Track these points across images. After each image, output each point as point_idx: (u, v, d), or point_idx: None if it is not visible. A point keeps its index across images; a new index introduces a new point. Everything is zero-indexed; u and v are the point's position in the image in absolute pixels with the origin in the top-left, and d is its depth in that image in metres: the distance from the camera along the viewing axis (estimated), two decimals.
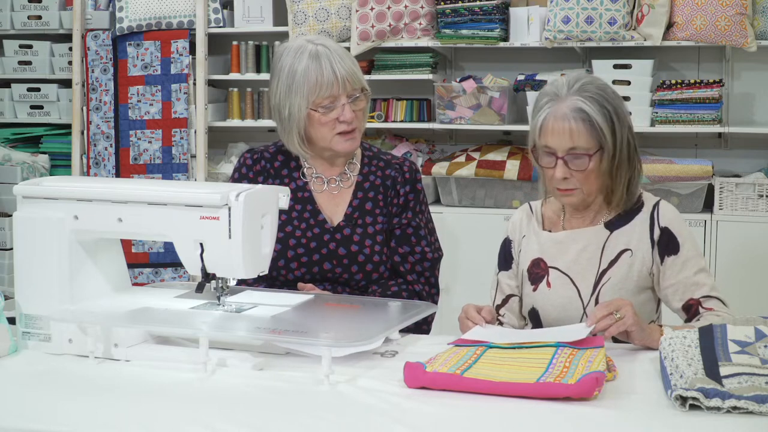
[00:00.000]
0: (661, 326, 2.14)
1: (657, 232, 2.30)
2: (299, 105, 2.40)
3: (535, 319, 2.37)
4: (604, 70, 4.29)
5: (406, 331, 2.20)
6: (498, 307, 2.43)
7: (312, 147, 2.48)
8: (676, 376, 1.79)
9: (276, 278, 2.46)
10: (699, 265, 2.30)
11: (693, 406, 1.70)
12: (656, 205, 2.34)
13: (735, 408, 1.68)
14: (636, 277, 2.30)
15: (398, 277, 2.51)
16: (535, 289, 2.36)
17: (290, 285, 2.46)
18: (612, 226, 2.33)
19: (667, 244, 2.29)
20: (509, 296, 2.43)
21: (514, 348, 2.01)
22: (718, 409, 1.68)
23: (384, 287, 2.48)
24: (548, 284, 2.34)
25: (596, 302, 2.27)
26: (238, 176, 2.55)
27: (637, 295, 2.29)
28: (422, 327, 2.44)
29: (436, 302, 2.54)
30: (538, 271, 2.36)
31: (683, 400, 1.70)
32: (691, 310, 2.26)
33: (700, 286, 2.27)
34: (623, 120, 2.28)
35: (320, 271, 2.45)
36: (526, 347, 2.00)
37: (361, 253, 2.45)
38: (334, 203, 2.52)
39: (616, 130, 2.25)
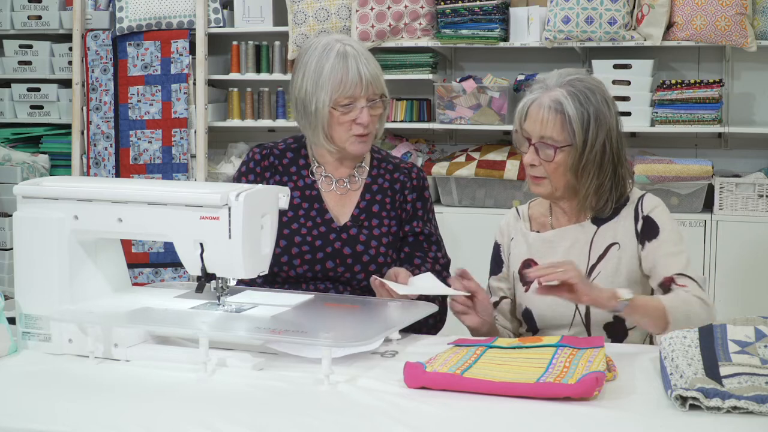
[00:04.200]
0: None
1: (640, 222, 2.32)
2: (323, 101, 2.41)
3: (529, 320, 2.38)
4: (604, 70, 4.29)
5: (406, 331, 2.20)
6: (495, 304, 2.43)
7: (333, 144, 2.49)
8: (676, 375, 1.79)
9: (277, 274, 2.46)
10: (678, 248, 2.29)
11: (693, 406, 1.70)
12: (641, 198, 2.36)
13: (735, 408, 1.68)
14: (625, 270, 2.31)
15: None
16: (526, 290, 2.37)
17: (291, 282, 2.46)
18: (599, 221, 2.35)
19: (647, 230, 2.31)
20: (501, 298, 2.45)
21: (513, 348, 2.01)
22: (718, 409, 1.68)
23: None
24: (539, 284, 2.34)
25: None
26: (245, 170, 2.56)
27: (628, 287, 2.28)
28: (434, 324, 2.48)
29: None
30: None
31: (683, 400, 1.71)
32: (664, 286, 2.26)
33: (676, 265, 2.26)
34: (602, 124, 2.26)
35: (322, 270, 2.45)
36: (526, 347, 2.00)
37: (366, 254, 2.46)
38: (340, 203, 2.53)
39: (590, 131, 2.24)
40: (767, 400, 1.67)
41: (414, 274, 2.45)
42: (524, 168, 2.35)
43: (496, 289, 2.46)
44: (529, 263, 2.38)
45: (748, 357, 1.79)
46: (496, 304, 2.44)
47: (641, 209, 2.33)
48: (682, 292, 2.19)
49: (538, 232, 2.41)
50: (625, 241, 2.32)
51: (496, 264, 2.49)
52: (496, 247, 2.50)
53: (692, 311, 2.14)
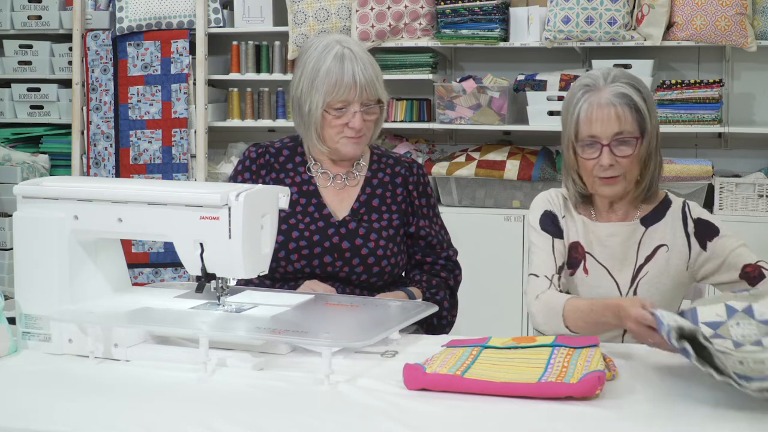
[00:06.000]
0: None
1: (691, 225, 2.35)
2: (317, 103, 2.43)
3: None
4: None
5: (406, 331, 2.21)
6: (560, 269, 2.37)
7: (324, 145, 2.50)
8: (668, 318, 1.81)
9: (275, 270, 2.46)
10: (740, 241, 2.34)
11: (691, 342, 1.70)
12: (685, 202, 2.40)
13: (721, 372, 1.67)
14: (673, 271, 2.33)
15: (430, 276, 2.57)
16: (572, 273, 2.37)
17: (289, 277, 2.47)
18: (647, 222, 2.37)
19: (705, 231, 2.34)
20: (565, 263, 2.40)
21: (509, 348, 2.01)
22: (710, 345, 1.69)
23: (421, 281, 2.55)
24: (585, 271, 2.36)
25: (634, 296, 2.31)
26: (241, 168, 2.57)
27: (673, 290, 2.34)
28: (442, 320, 2.52)
29: (459, 282, 2.61)
30: (576, 255, 2.37)
31: (681, 333, 1.71)
32: (750, 274, 2.28)
33: (750, 255, 2.30)
34: (654, 106, 2.33)
35: (320, 265, 2.45)
36: (521, 347, 2.00)
37: (365, 247, 2.46)
38: (339, 198, 2.54)
39: (652, 116, 2.30)
40: (749, 379, 1.67)
41: (424, 279, 2.52)
42: (588, 173, 2.29)
43: (563, 252, 2.38)
44: (576, 247, 2.37)
45: (721, 341, 1.79)
46: (564, 265, 2.37)
47: (689, 212, 2.37)
48: None
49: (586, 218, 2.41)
50: (673, 243, 2.34)
51: (558, 230, 2.39)
52: (552, 216, 2.40)
53: None
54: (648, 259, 2.34)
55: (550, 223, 2.40)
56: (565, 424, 1.66)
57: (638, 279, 2.33)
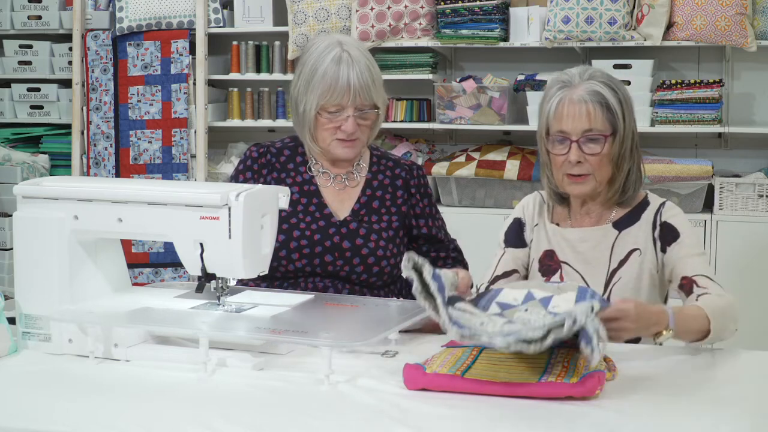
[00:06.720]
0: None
1: (657, 230, 2.31)
2: (311, 104, 2.44)
3: None
4: (604, 70, 4.28)
5: (407, 330, 2.20)
6: (496, 278, 2.41)
7: (317, 146, 2.51)
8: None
9: (276, 269, 2.46)
10: (698, 250, 2.30)
11: None
12: (661, 204, 2.36)
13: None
14: (647, 276, 2.30)
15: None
16: (547, 281, 2.36)
17: (289, 277, 2.47)
18: (620, 225, 2.34)
19: (666, 235, 2.30)
20: (513, 271, 2.42)
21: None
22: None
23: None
24: (561, 278, 2.34)
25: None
26: (243, 168, 2.57)
27: (649, 294, 2.30)
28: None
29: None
30: (551, 263, 2.37)
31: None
32: (685, 287, 2.24)
33: (696, 266, 2.25)
34: (631, 108, 2.31)
35: (321, 264, 2.45)
36: None
37: (365, 247, 2.47)
38: (339, 199, 2.54)
39: (626, 116, 2.28)
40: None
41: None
42: (557, 169, 2.30)
43: (511, 261, 2.42)
44: (551, 255, 2.37)
45: (496, 318, 1.81)
46: (507, 274, 2.41)
47: (660, 215, 2.33)
48: (706, 298, 2.15)
49: (557, 225, 2.40)
50: (645, 247, 2.31)
51: (519, 239, 2.44)
52: (519, 224, 2.45)
53: (727, 312, 2.12)
54: (622, 263, 2.31)
55: (513, 233, 2.45)
56: (565, 423, 1.66)
57: (612, 284, 2.30)
